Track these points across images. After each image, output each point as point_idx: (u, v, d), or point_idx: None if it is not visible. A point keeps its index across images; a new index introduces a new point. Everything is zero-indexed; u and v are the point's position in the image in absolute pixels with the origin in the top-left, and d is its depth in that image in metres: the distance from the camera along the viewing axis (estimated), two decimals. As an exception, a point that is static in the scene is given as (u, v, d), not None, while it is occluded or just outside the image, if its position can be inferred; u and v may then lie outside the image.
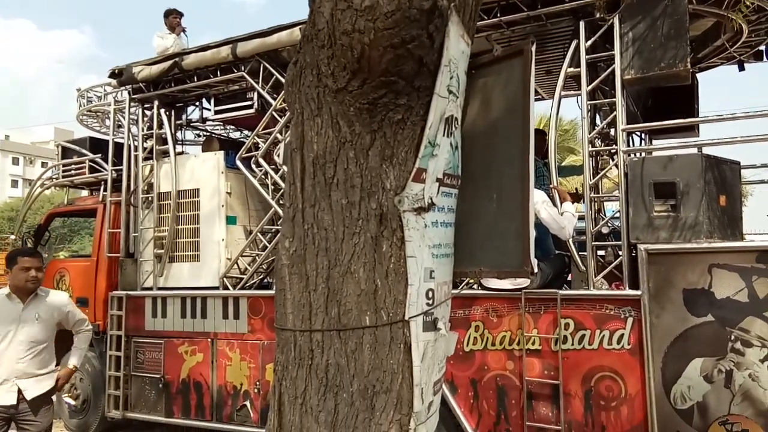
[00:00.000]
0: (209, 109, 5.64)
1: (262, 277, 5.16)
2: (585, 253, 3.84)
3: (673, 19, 3.55)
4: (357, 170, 1.68)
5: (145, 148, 5.69)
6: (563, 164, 9.85)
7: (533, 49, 1.91)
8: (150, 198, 5.58)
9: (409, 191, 1.68)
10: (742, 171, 4.25)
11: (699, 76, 5.10)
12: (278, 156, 4.87)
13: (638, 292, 3.49)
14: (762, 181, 5.23)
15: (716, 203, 3.55)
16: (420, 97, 1.67)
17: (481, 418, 3.84)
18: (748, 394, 3.26)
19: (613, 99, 3.77)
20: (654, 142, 5.47)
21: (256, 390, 4.74)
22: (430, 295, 1.74)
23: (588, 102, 3.87)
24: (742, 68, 4.94)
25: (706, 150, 3.85)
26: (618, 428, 3.49)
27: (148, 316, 5.36)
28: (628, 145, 4.06)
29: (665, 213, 3.57)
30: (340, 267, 1.69)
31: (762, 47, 4.60)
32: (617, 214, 4.09)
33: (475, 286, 4.18)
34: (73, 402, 5.82)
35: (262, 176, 5.01)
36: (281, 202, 4.41)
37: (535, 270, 3.76)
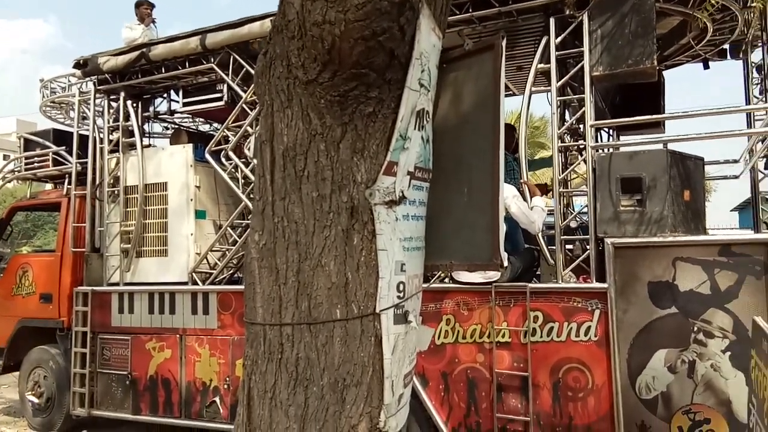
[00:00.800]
0: (178, 101, 5.54)
1: (232, 272, 5.10)
2: (554, 247, 3.90)
3: (641, 17, 3.62)
4: (328, 163, 1.67)
5: (110, 141, 5.56)
6: (534, 159, 9.95)
7: (503, 43, 1.92)
8: (116, 192, 5.46)
9: (380, 184, 1.68)
10: (706, 167, 4.37)
11: (665, 73, 5.21)
12: (249, 149, 4.82)
13: (605, 285, 3.55)
14: (725, 177, 5.37)
15: (680, 198, 3.63)
16: (391, 90, 1.67)
17: (452, 411, 3.87)
18: (710, 384, 3.35)
19: (582, 95, 3.82)
20: (621, 138, 5.57)
21: (225, 386, 4.69)
22: (401, 288, 1.74)
23: (557, 98, 3.91)
24: (706, 66, 5.06)
25: (671, 146, 3.93)
26: (585, 419, 3.56)
27: (115, 311, 5.25)
28: (596, 141, 4.12)
29: (631, 207, 3.64)
30: (311, 260, 1.68)
31: (726, 46, 4.72)
32: (585, 209, 4.16)
33: (446, 280, 4.21)
34: (36, 400, 5.68)
35: (232, 170, 4.94)
36: (252, 195, 4.37)
37: (505, 263, 3.80)
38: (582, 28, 3.77)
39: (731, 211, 22.24)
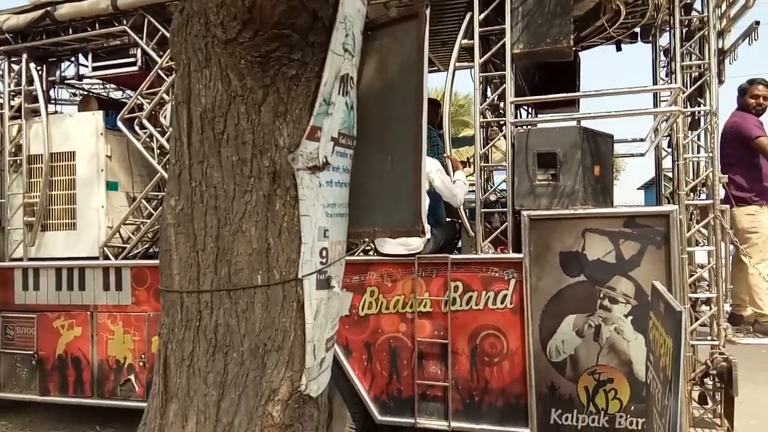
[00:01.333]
0: (87, 66, 5.17)
1: (147, 246, 4.89)
2: (474, 220, 4.02)
3: (559, -3, 3.74)
4: (248, 126, 1.63)
5: (12, 107, 5.13)
6: (458, 136, 10.18)
7: (427, 12, 1.93)
8: (18, 161, 5.07)
9: (303, 149, 1.66)
10: (616, 145, 4.63)
11: (581, 54, 5.44)
12: (165, 117, 4.60)
13: (520, 256, 3.71)
14: (632, 155, 5.71)
15: (591, 173, 3.83)
16: (315, 53, 1.65)
17: (374, 379, 3.94)
18: (613, 346, 3.60)
19: (503, 72, 3.92)
20: (539, 115, 5.78)
21: (141, 363, 4.53)
22: (324, 253, 1.74)
23: (480, 74, 4.00)
24: (619, 48, 5.32)
25: (584, 123, 4.13)
26: (500, 382, 3.73)
27: (18, 289, 4.92)
28: (516, 118, 4.25)
29: (546, 182, 3.80)
30: (231, 226, 1.65)
31: (637, 29, 4.97)
32: (504, 183, 4.30)
33: (371, 253, 4.25)
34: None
35: (147, 139, 4.71)
36: (168, 166, 4.19)
37: (426, 231, 3.88)
38: (504, 5, 3.85)
39: (638, 189, 23.79)
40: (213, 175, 1.64)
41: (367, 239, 4.28)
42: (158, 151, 4.68)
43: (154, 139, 4.66)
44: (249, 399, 1.64)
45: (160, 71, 4.58)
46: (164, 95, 4.55)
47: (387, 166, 1.99)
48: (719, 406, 4.16)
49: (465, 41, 3.98)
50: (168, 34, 4.33)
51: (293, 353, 1.66)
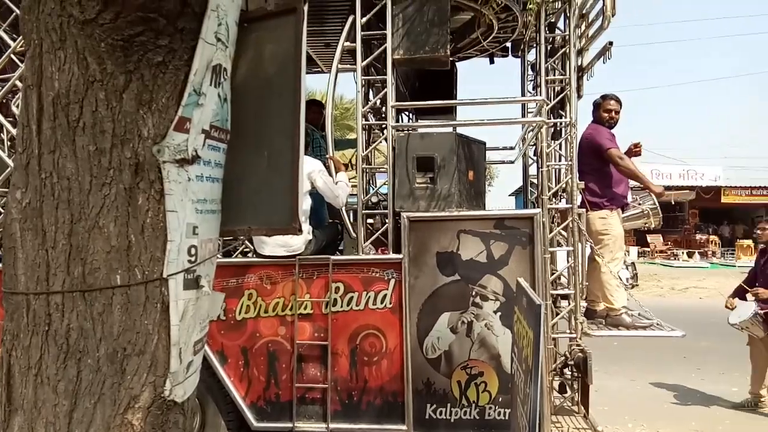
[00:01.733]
0: None
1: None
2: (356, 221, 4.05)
3: (437, 7, 3.90)
4: (108, 114, 1.51)
5: None
6: (343, 139, 10.24)
7: (305, 8, 1.92)
8: None
9: (170, 141, 1.57)
10: (489, 153, 4.90)
11: (458, 65, 5.71)
12: (17, 106, 4.16)
13: (400, 256, 3.80)
14: (503, 162, 6.08)
15: (466, 177, 4.03)
16: (184, 41, 1.57)
17: (251, 385, 3.83)
18: (484, 341, 3.80)
19: (385, 77, 4.00)
20: (419, 120, 5.98)
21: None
22: (193, 252, 1.65)
23: (362, 77, 4.05)
24: (492, 61, 5.65)
25: (460, 130, 4.33)
26: (379, 380, 3.79)
27: None
28: (397, 122, 4.36)
29: (424, 185, 3.94)
30: (86, 221, 1.51)
31: (508, 44, 5.31)
32: (386, 185, 4.39)
33: (250, 255, 4.14)
34: None
35: (-3, 129, 4.24)
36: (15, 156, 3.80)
37: (304, 228, 3.85)
38: (385, 10, 3.93)
39: (509, 195, 25.40)
40: (66, 165, 1.50)
41: (244, 239, 4.17)
42: (9, 143, 4.23)
43: (4, 130, 4.20)
44: (106, 408, 1.52)
45: (13, 56, 4.15)
46: (17, 82, 4.12)
47: (263, 163, 1.94)
48: (577, 394, 4.55)
49: (348, 44, 4.02)
50: (23, 14, 3.94)
51: (156, 357, 1.56)
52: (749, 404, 5.51)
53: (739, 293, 5.67)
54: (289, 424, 3.79)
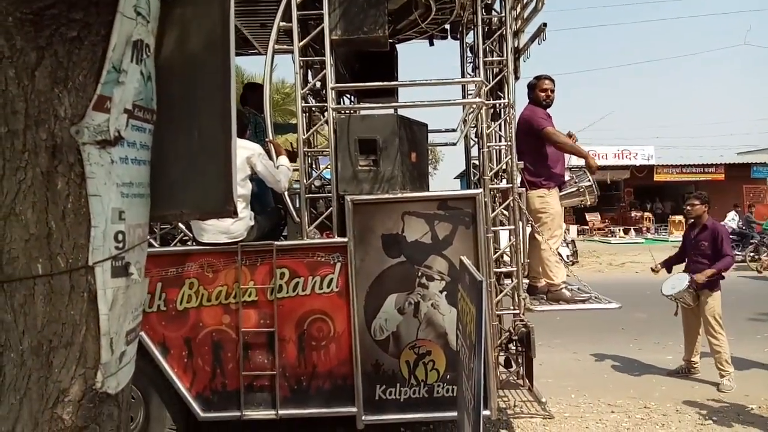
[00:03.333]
0: None
1: None
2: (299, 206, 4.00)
3: (374, -13, 3.85)
4: (20, 93, 1.42)
5: None
6: (285, 123, 10.07)
7: (233, -17, 1.85)
8: None
9: (89, 121, 1.49)
10: (433, 136, 4.92)
11: (398, 47, 5.69)
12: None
13: (345, 240, 3.78)
14: (446, 144, 6.13)
15: (408, 159, 4.03)
16: (100, 14, 1.48)
17: (196, 376, 3.75)
18: (431, 320, 3.84)
19: (324, 57, 3.94)
20: (361, 103, 5.94)
21: None
22: (120, 238, 1.58)
23: (300, 59, 3.98)
24: (431, 43, 5.66)
25: (401, 112, 4.33)
26: (327, 365, 3.78)
27: None
28: (338, 104, 4.31)
29: (368, 167, 3.92)
30: (1, 209, 1.42)
31: (447, 26, 5.32)
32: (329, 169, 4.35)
33: (190, 243, 4.02)
34: None
35: None
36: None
37: (244, 212, 3.77)
38: (321, -11, 3.87)
39: (454, 178, 25.76)
40: (-25, 149, 1.40)
41: (183, 227, 4.05)
42: None
43: None
44: (33, 403, 1.44)
45: None
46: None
47: (194, 145, 1.87)
48: (521, 368, 4.67)
49: (284, 24, 3.93)
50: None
51: (85, 349, 1.49)
52: (683, 371, 5.82)
53: (668, 265, 5.96)
54: (238, 413, 3.73)
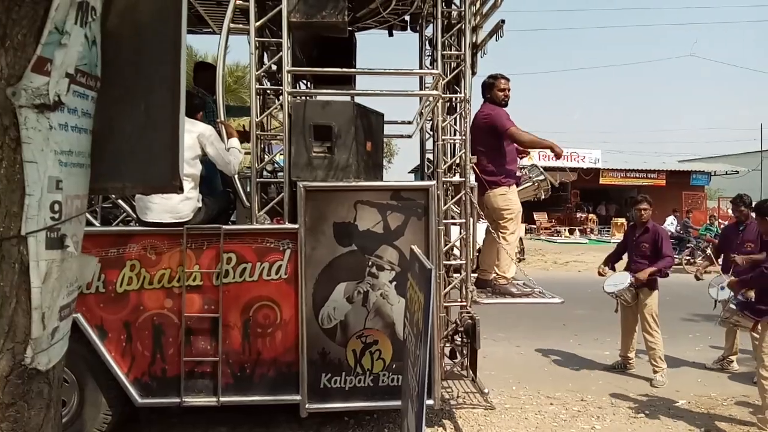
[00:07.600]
0: None
1: None
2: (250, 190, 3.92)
3: (335, -29, 3.80)
4: (-50, 49, 1.32)
5: None
6: (240, 106, 9.85)
7: (189, -49, 1.78)
8: None
9: (27, 83, 1.41)
10: (388, 127, 4.90)
11: (357, 36, 5.64)
12: None
13: (296, 226, 3.73)
14: (401, 136, 6.12)
15: (364, 148, 4.01)
16: (43, -30, 1.40)
17: (135, 361, 3.63)
18: (379, 310, 3.85)
19: (280, 39, 3.86)
20: (318, 89, 5.86)
21: None
22: (57, 208, 1.51)
23: (256, 39, 3.89)
24: (391, 34, 5.63)
25: (358, 100, 4.29)
26: (273, 352, 3.73)
27: None
28: (294, 89, 4.24)
29: (322, 154, 3.87)
30: (-75, 170, 1.33)
31: (407, 17, 5.31)
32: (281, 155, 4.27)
33: (132, 223, 3.89)
34: None
35: None
36: None
37: (192, 193, 3.67)
38: (281, -31, 3.78)
39: (409, 172, 25.88)
40: None
41: (126, 204, 3.90)
42: None
43: None
44: (-46, 380, 1.36)
45: None
46: None
47: (141, 116, 1.80)
48: (465, 359, 4.75)
49: (240, 2, 3.83)
50: None
51: (15, 322, 1.41)
52: (619, 366, 6.05)
53: (609, 262, 6.17)
54: (177, 400, 3.64)
